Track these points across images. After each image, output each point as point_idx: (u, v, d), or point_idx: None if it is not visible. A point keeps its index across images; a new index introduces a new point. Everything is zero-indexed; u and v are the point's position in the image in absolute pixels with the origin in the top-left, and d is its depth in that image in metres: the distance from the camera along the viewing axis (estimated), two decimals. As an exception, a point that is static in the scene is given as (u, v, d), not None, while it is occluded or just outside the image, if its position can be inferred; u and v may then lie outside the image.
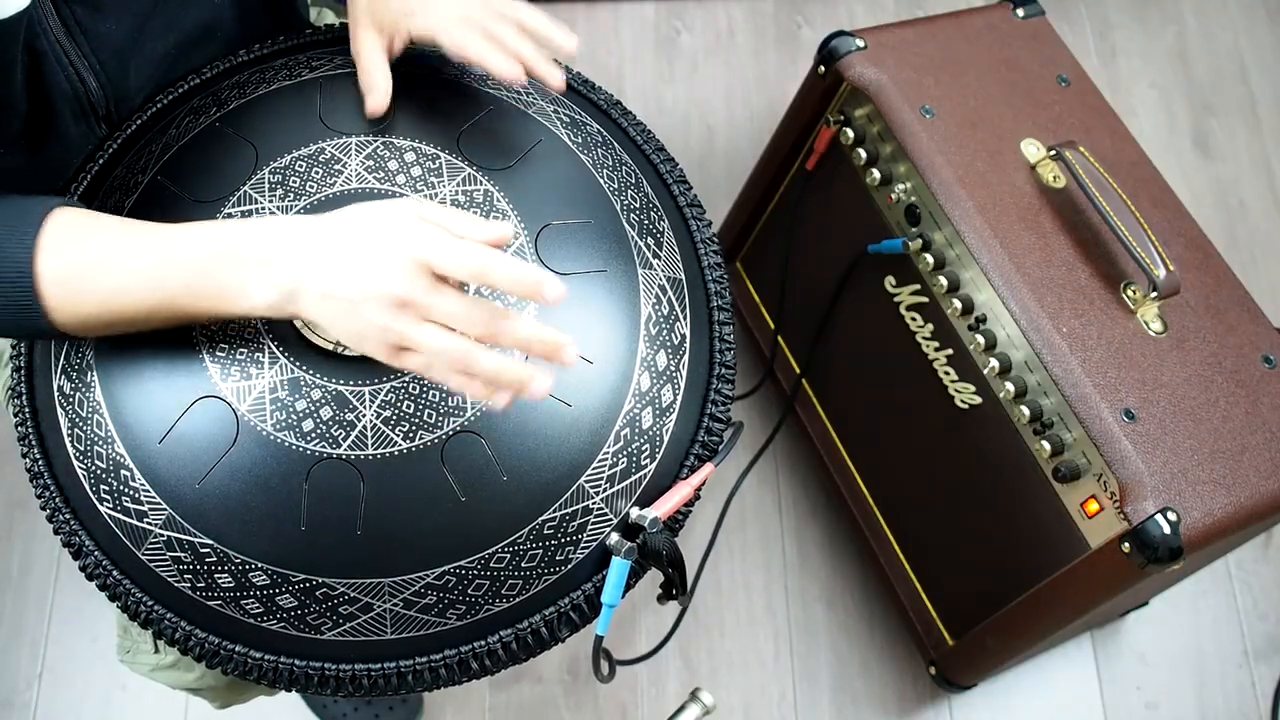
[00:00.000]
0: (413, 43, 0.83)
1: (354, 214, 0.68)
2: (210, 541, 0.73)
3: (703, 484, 0.81)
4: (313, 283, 0.67)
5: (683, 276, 0.84)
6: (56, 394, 0.78)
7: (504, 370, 0.66)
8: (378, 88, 0.81)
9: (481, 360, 0.66)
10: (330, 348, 0.73)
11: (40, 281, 0.69)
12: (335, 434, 0.72)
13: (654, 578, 0.83)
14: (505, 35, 0.81)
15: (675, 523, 0.80)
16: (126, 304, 0.70)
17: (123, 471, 0.74)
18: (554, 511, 0.75)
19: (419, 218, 0.67)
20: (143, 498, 0.74)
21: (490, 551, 0.74)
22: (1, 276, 0.68)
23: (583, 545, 0.77)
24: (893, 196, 1.23)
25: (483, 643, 0.76)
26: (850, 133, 1.26)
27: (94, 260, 0.69)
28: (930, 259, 1.19)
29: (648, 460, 0.78)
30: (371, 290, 0.65)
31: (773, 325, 1.52)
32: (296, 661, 0.76)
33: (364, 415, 0.72)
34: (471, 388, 0.67)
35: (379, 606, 0.74)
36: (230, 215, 0.77)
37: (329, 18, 1.09)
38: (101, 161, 0.86)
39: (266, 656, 0.76)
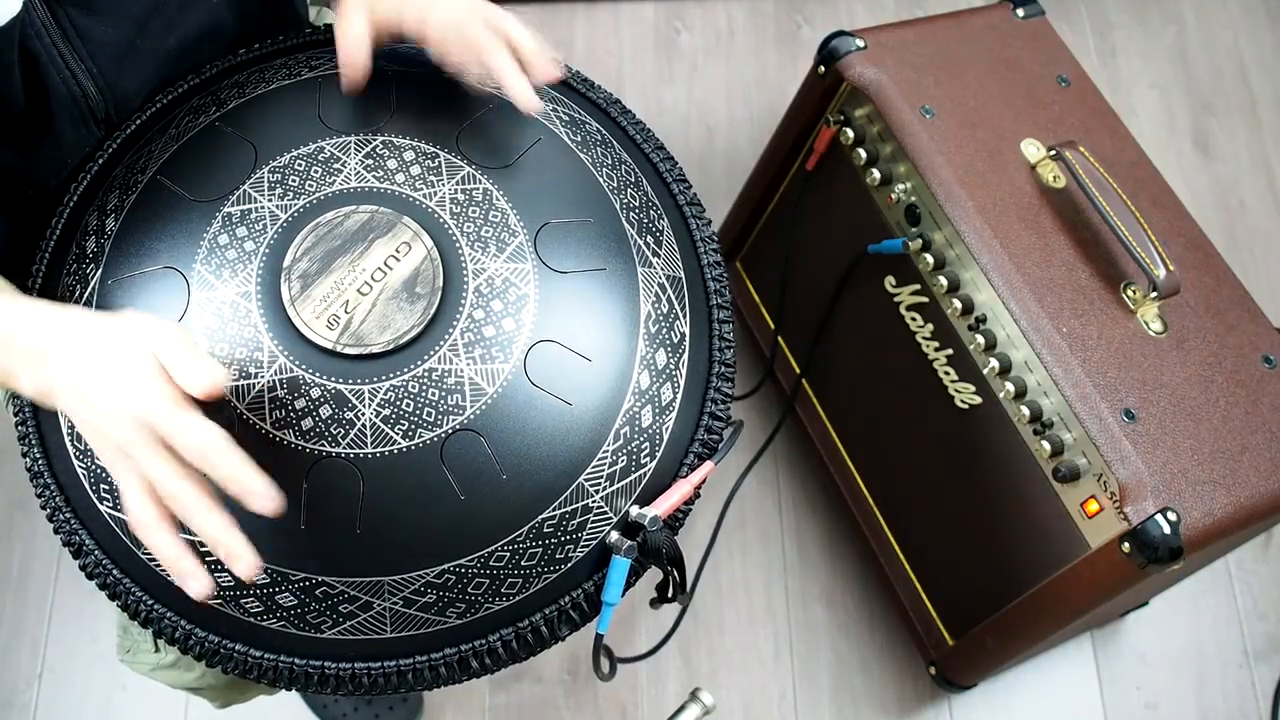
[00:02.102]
0: (402, 38, 0.83)
1: (107, 327, 0.67)
2: (210, 540, 0.73)
3: (703, 482, 0.81)
4: (66, 388, 0.66)
5: (682, 275, 0.84)
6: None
7: (218, 538, 0.64)
8: (355, 63, 0.80)
9: (198, 518, 0.64)
10: (330, 346, 0.73)
11: None
12: (334, 432, 0.72)
13: (654, 577, 0.83)
14: (490, 49, 0.81)
15: (675, 521, 0.80)
16: None
17: (122, 470, 0.74)
18: (554, 510, 0.75)
19: (147, 368, 0.65)
20: (142, 496, 0.74)
21: (490, 550, 0.74)
22: None
23: (583, 544, 0.77)
24: (893, 196, 1.23)
25: (483, 641, 0.76)
26: (850, 133, 1.26)
27: None
28: (930, 259, 1.19)
29: (647, 458, 0.78)
30: (115, 405, 0.64)
31: (773, 325, 1.52)
32: (296, 660, 0.76)
33: (363, 414, 0.72)
34: (164, 551, 0.65)
35: (379, 605, 0.74)
36: (230, 213, 0.77)
37: (329, 18, 1.09)
38: (101, 161, 0.86)
39: (266, 655, 0.76)
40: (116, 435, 0.64)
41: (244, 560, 0.64)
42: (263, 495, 0.64)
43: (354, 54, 0.80)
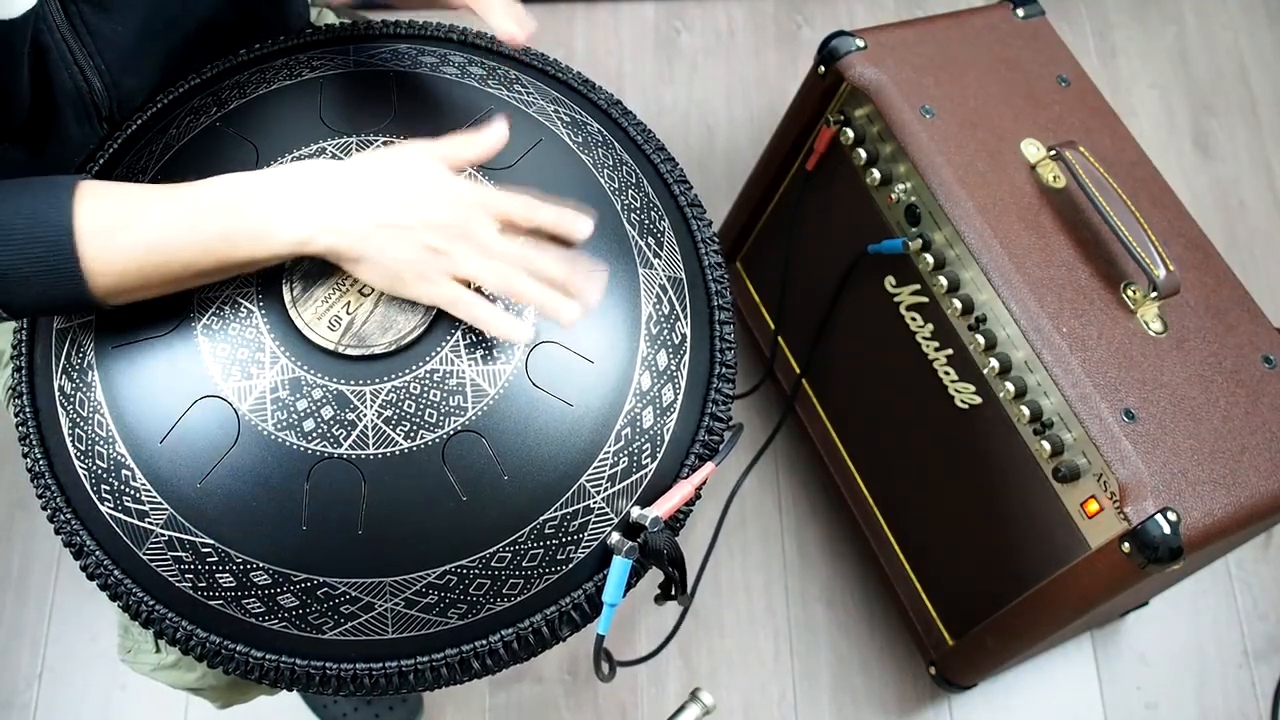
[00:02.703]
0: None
1: (390, 157, 0.74)
2: (211, 541, 0.73)
3: (703, 483, 0.81)
4: (363, 213, 0.70)
5: (683, 276, 0.84)
6: (57, 394, 0.78)
7: (558, 278, 0.74)
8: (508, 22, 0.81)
9: (538, 269, 0.73)
10: (332, 347, 0.73)
11: (79, 239, 0.69)
12: (336, 433, 0.72)
13: (654, 578, 0.83)
14: None
15: (676, 522, 0.80)
16: (164, 256, 0.70)
17: (124, 471, 0.74)
18: (555, 511, 0.75)
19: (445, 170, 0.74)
20: (144, 497, 0.74)
21: (491, 551, 0.74)
22: (42, 237, 0.69)
23: (584, 544, 0.77)
24: (893, 196, 1.23)
25: (484, 642, 0.76)
26: (850, 133, 1.26)
27: (129, 214, 0.70)
28: (930, 259, 1.19)
29: (649, 459, 0.78)
30: (432, 218, 0.71)
31: (773, 325, 1.52)
32: (298, 661, 0.76)
33: (365, 415, 0.72)
34: (535, 295, 0.73)
35: (380, 606, 0.74)
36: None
37: (329, 18, 1.09)
38: (102, 161, 0.86)
39: (268, 656, 0.76)
40: (431, 241, 0.71)
41: (590, 294, 0.76)
42: (585, 221, 0.76)
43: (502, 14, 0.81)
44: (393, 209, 0.70)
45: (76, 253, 0.69)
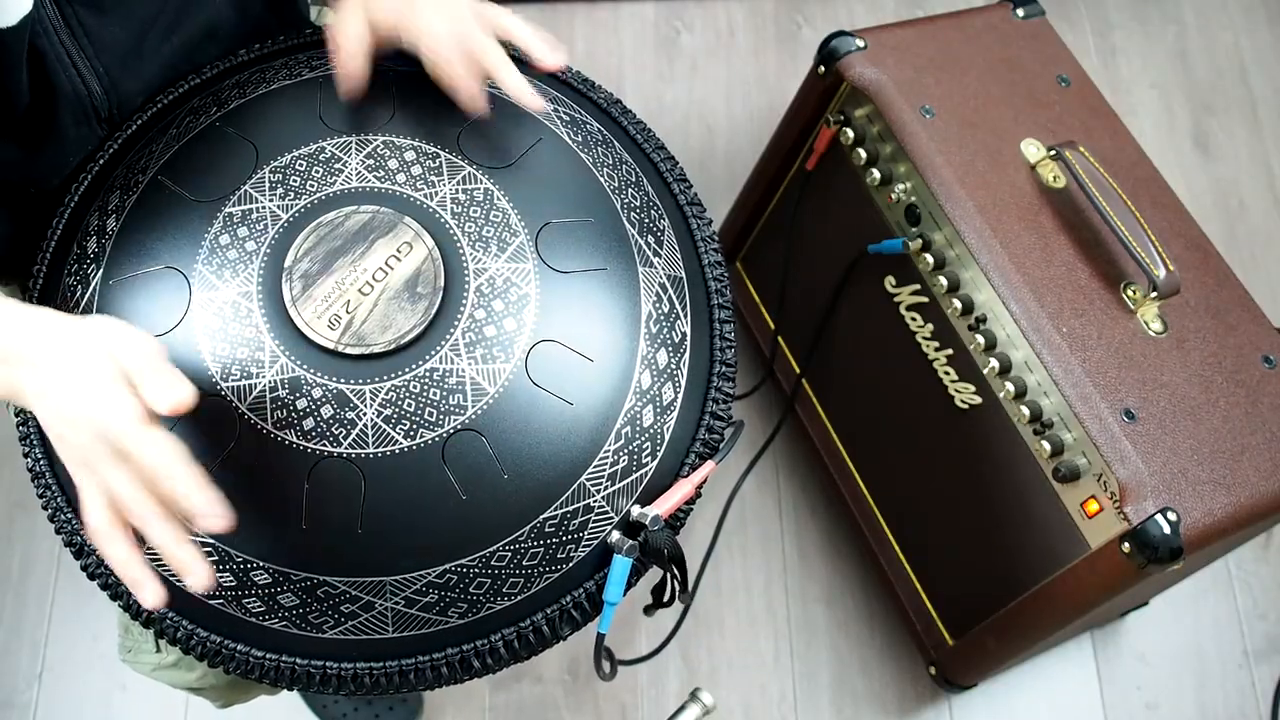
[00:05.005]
0: (398, 46, 0.83)
1: (74, 332, 0.67)
2: (211, 540, 0.73)
3: (704, 482, 0.81)
4: (36, 391, 0.66)
5: (683, 274, 0.84)
6: (57, 393, 0.78)
7: (172, 553, 0.65)
8: (353, 65, 0.80)
9: (153, 530, 0.64)
10: (332, 346, 0.73)
11: None
12: (336, 432, 0.72)
13: (654, 577, 0.83)
14: (488, 51, 0.80)
15: (676, 521, 0.80)
16: None
17: (124, 470, 0.74)
18: (555, 509, 0.75)
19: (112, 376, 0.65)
20: (144, 496, 0.74)
21: (491, 550, 0.74)
22: None
23: (584, 543, 0.77)
24: (893, 196, 1.23)
25: (484, 641, 0.76)
26: (850, 133, 1.26)
27: None
28: (930, 259, 1.19)
29: (649, 458, 0.78)
30: (78, 414, 0.64)
31: (773, 325, 1.52)
32: (298, 660, 0.76)
33: (365, 414, 0.72)
34: (118, 560, 0.66)
35: (380, 605, 0.74)
36: (231, 214, 0.77)
37: (330, 18, 1.09)
38: (102, 161, 0.86)
39: (268, 655, 0.76)
40: (78, 443, 0.65)
41: (196, 575, 0.65)
42: (210, 516, 0.64)
43: (352, 56, 0.80)
44: (52, 404, 0.65)
45: None
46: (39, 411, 0.66)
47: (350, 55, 0.80)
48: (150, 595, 0.66)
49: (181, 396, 0.64)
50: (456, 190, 0.79)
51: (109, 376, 0.64)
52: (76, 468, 0.66)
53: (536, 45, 0.82)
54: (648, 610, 0.84)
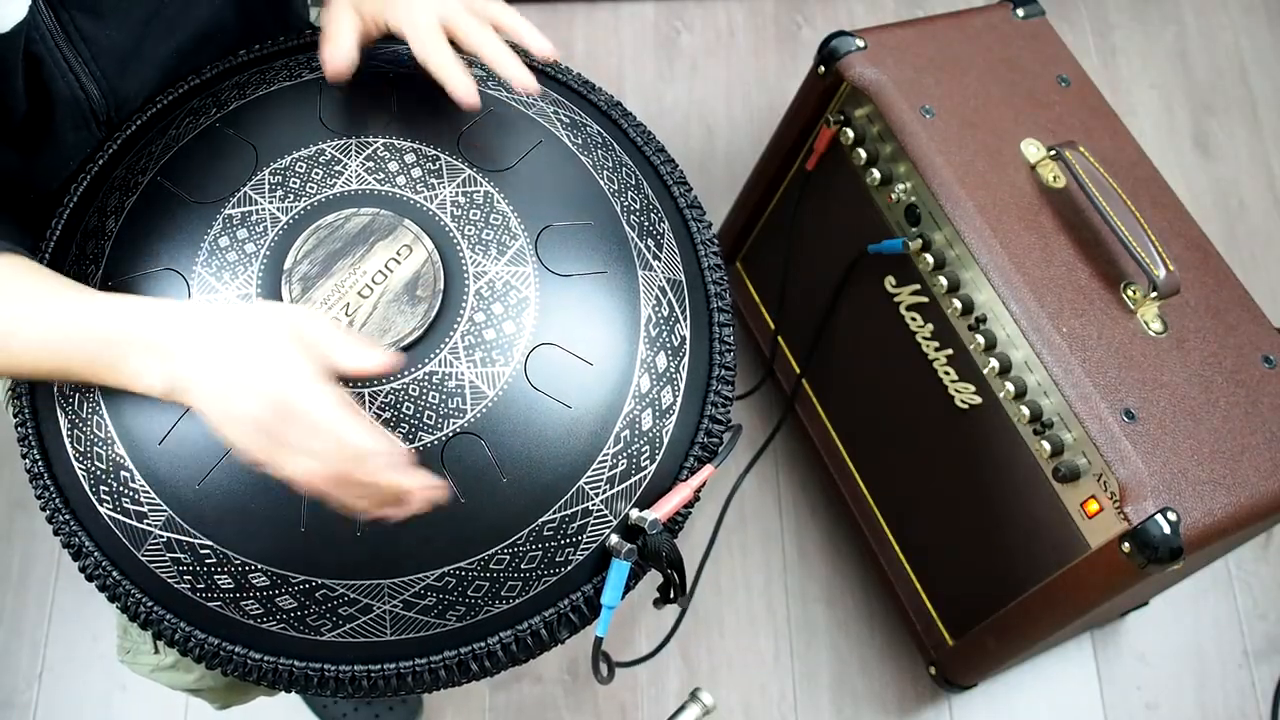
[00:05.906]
0: (388, 34, 0.82)
1: (245, 314, 0.68)
2: (210, 543, 0.73)
3: (702, 486, 0.81)
4: (203, 377, 0.66)
5: (683, 278, 0.84)
6: (56, 395, 0.78)
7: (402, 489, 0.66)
8: (340, 56, 0.80)
9: (367, 475, 0.65)
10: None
11: None
12: (335, 435, 0.72)
13: (653, 580, 0.83)
14: (478, 33, 0.80)
15: (675, 524, 0.80)
16: (22, 366, 0.71)
17: (123, 473, 0.74)
18: (554, 513, 0.75)
19: (300, 338, 0.66)
20: (142, 499, 0.74)
21: (490, 553, 0.74)
22: None
23: (582, 547, 0.77)
24: (893, 196, 1.23)
25: (482, 644, 0.76)
26: (850, 133, 1.26)
27: (10, 324, 0.70)
28: (930, 259, 1.19)
29: (647, 462, 0.78)
30: (263, 390, 0.65)
31: (773, 325, 1.52)
32: (296, 662, 0.76)
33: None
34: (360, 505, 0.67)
35: (379, 608, 0.74)
36: (231, 215, 0.77)
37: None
38: (102, 162, 0.86)
39: (266, 657, 0.76)
40: (251, 414, 0.65)
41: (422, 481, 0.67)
42: (396, 465, 0.66)
43: (340, 44, 0.80)
44: (228, 378, 0.66)
45: None
46: (213, 399, 0.66)
47: (338, 43, 0.80)
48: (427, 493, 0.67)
49: (379, 357, 0.67)
50: (456, 193, 0.79)
51: (283, 342, 0.65)
52: (267, 448, 0.65)
53: (526, 31, 0.81)
54: (657, 603, 0.84)
